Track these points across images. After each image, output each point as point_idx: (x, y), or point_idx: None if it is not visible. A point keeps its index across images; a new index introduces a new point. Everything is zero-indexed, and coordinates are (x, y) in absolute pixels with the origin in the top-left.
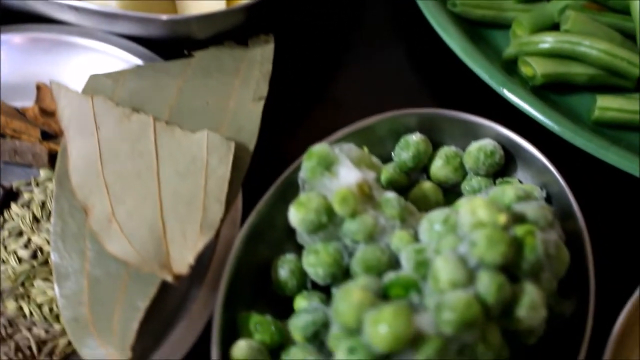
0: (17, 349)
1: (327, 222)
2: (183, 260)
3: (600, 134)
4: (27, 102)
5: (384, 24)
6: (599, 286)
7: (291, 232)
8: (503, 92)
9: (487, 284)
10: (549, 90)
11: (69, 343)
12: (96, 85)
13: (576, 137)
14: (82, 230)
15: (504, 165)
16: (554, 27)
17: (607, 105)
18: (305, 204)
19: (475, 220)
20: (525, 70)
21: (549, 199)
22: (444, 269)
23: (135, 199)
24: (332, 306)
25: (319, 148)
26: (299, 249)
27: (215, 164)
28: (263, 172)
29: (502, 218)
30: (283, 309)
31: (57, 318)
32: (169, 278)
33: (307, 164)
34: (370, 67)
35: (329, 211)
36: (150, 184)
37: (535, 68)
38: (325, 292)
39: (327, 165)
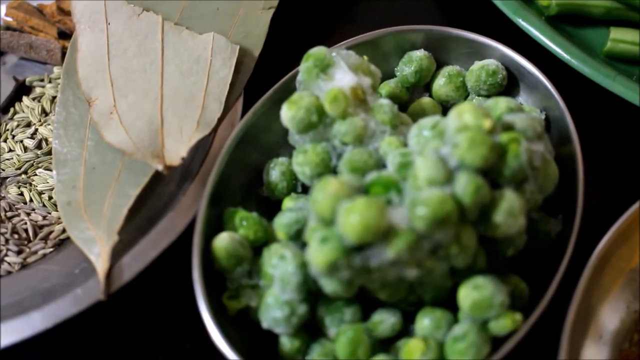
0: (14, 230)
1: (317, 122)
2: (176, 152)
3: (610, 65)
4: (46, 1)
5: None
6: (587, 211)
7: (287, 137)
8: (515, 18)
9: (464, 184)
10: (564, 23)
11: (64, 230)
12: None
13: (584, 65)
14: (84, 120)
15: (507, 88)
16: None
17: (621, 38)
18: (296, 102)
19: (460, 123)
20: (542, 1)
21: (548, 123)
22: (423, 167)
23: (138, 94)
24: (310, 197)
25: (317, 50)
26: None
27: (218, 65)
28: (267, 79)
29: (487, 122)
30: (273, 212)
31: (55, 206)
32: (160, 167)
33: (304, 65)
34: None
35: (320, 110)
36: (153, 80)
37: None
38: None
39: (323, 67)
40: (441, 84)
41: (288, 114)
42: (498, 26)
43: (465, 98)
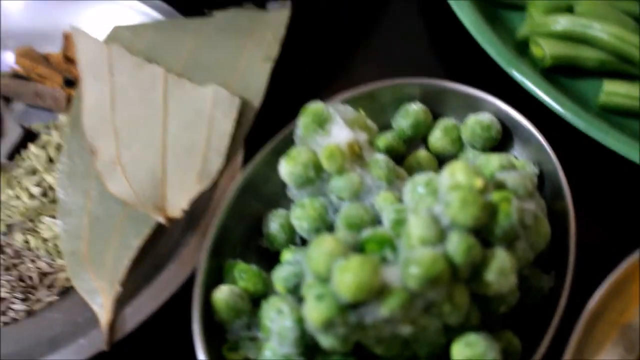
0: (20, 278)
1: (315, 177)
2: (178, 205)
3: (604, 119)
4: (53, 49)
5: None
6: (579, 266)
7: (286, 188)
8: (509, 70)
9: (456, 243)
10: (558, 74)
11: (68, 277)
12: (117, 36)
13: (577, 118)
14: (88, 170)
15: (502, 141)
16: (570, 10)
17: (614, 90)
18: (294, 158)
19: (453, 182)
20: (535, 51)
21: (541, 177)
22: (415, 226)
23: (140, 145)
24: (306, 253)
25: (314, 105)
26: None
27: (219, 118)
28: (267, 131)
29: (479, 182)
30: (273, 262)
31: (60, 253)
32: (162, 219)
33: (302, 120)
34: (385, 38)
35: (317, 166)
36: (155, 132)
37: (545, 49)
38: None
39: (321, 122)
40: (437, 137)
41: (286, 169)
42: (495, 75)
43: (461, 150)
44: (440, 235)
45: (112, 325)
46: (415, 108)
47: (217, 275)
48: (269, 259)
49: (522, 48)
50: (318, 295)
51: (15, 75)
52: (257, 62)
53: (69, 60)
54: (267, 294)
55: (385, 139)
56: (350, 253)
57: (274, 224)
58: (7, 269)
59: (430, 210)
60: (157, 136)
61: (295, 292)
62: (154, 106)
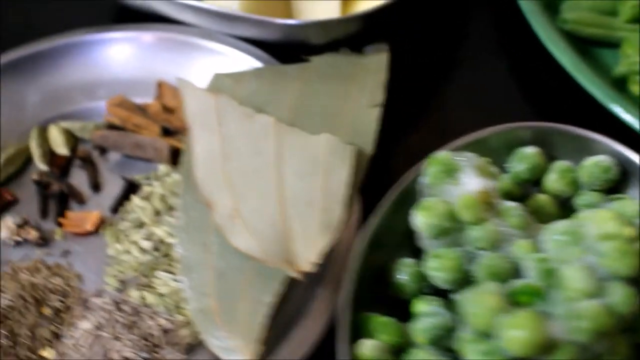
0: (143, 336)
1: (451, 227)
2: (306, 257)
3: None
4: (145, 98)
5: (493, 38)
6: None
7: (408, 237)
8: (614, 109)
9: (620, 294)
10: None
11: (191, 334)
12: (219, 84)
13: None
14: (205, 223)
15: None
16: None
17: None
18: (430, 209)
19: (602, 231)
20: (634, 89)
21: None
22: (574, 278)
23: (257, 196)
24: (462, 309)
25: (442, 155)
26: (414, 253)
27: (335, 167)
28: (376, 177)
29: (629, 230)
30: (398, 311)
31: (178, 309)
32: (295, 274)
33: (430, 170)
34: (479, 79)
35: (453, 217)
36: (270, 183)
37: None
38: (442, 296)
39: (450, 172)
40: (553, 180)
41: (422, 220)
42: (592, 112)
43: (576, 192)
44: (599, 286)
45: None
46: (530, 151)
47: (353, 329)
48: (394, 307)
49: (617, 85)
50: (484, 351)
51: (110, 126)
52: (363, 107)
53: (166, 109)
54: (402, 345)
55: (501, 183)
56: (510, 308)
57: (403, 273)
58: (128, 327)
59: (583, 261)
60: (272, 187)
61: (437, 344)
62: (266, 156)
